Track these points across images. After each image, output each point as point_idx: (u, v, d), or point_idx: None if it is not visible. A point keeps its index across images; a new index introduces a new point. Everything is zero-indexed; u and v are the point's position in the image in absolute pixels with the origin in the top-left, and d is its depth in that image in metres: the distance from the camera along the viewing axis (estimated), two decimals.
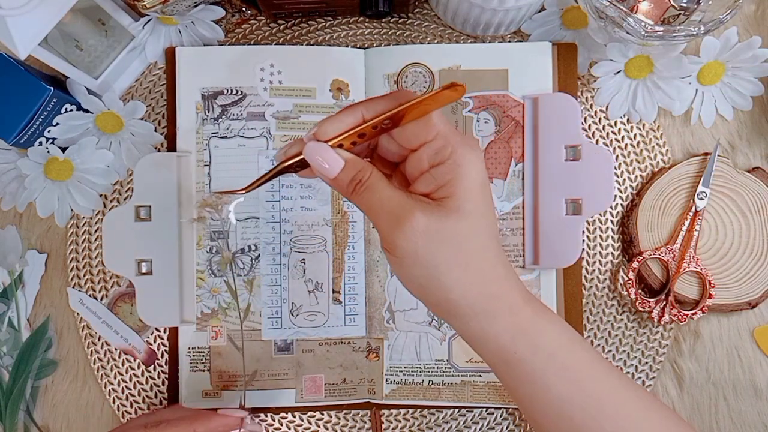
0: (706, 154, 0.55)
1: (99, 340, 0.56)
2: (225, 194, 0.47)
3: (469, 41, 0.57)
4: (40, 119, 0.51)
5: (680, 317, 0.54)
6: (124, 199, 0.56)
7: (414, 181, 0.40)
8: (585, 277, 0.56)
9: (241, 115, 0.54)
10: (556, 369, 0.41)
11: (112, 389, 0.56)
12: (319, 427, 0.55)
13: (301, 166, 0.39)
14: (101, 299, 0.56)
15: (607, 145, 0.56)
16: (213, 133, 0.54)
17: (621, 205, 0.56)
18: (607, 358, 0.55)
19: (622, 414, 0.42)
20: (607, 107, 0.56)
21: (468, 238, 0.38)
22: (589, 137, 0.56)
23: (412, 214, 0.37)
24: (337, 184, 0.39)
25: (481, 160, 0.39)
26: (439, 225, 0.38)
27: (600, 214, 0.56)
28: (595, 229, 0.56)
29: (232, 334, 0.54)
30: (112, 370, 0.56)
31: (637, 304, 0.54)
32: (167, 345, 0.56)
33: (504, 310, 0.40)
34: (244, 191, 0.40)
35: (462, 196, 0.38)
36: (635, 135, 0.56)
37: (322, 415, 0.56)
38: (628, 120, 0.56)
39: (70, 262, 0.56)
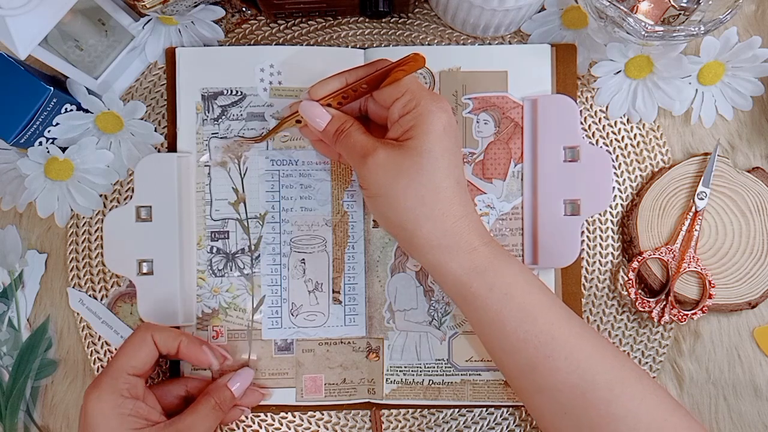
0: (706, 154, 0.55)
1: (99, 340, 0.56)
2: (245, 142, 0.54)
3: (469, 42, 0.57)
4: (40, 119, 0.51)
5: (680, 317, 0.54)
6: (124, 199, 0.56)
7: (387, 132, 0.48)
8: (585, 277, 0.56)
9: (241, 115, 0.54)
10: (512, 307, 0.45)
11: None
12: (319, 427, 0.55)
13: (301, 119, 0.50)
14: (101, 299, 0.56)
15: (607, 145, 0.56)
16: (213, 134, 0.54)
17: (621, 205, 0.56)
18: None
19: (576, 353, 0.44)
20: (607, 107, 0.56)
21: (423, 174, 0.44)
22: (589, 137, 0.57)
23: (375, 150, 0.45)
24: (326, 134, 0.48)
25: (444, 111, 0.45)
26: (397, 159, 0.44)
27: (600, 214, 0.56)
28: (595, 229, 0.56)
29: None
30: None
31: (637, 304, 0.54)
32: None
33: (460, 247, 0.45)
34: (260, 140, 0.53)
35: (421, 137, 0.45)
36: (635, 135, 0.56)
37: (322, 415, 0.56)
38: (628, 120, 0.56)
39: (70, 262, 0.56)
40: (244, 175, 0.54)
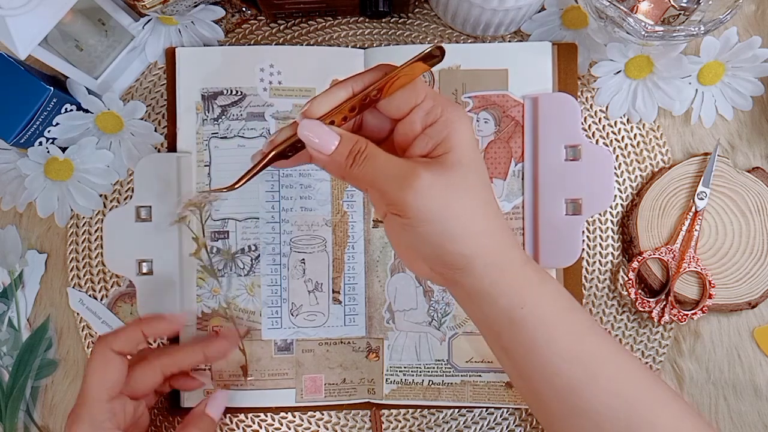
0: (706, 154, 0.55)
1: None
2: (212, 192, 0.49)
3: (469, 41, 0.57)
4: (40, 119, 0.51)
5: (680, 317, 0.54)
6: (124, 199, 0.56)
7: (408, 147, 0.40)
8: (585, 277, 0.56)
9: (241, 115, 0.54)
10: (561, 325, 0.41)
11: None
12: (319, 427, 0.55)
13: (293, 150, 0.39)
14: (101, 299, 0.56)
15: (607, 145, 0.56)
16: (213, 134, 0.54)
17: (621, 205, 0.56)
18: None
19: (619, 374, 0.42)
20: (607, 107, 0.56)
21: (472, 190, 0.39)
22: (589, 137, 0.56)
23: (417, 172, 0.38)
24: (334, 160, 0.39)
25: (468, 117, 0.40)
26: (445, 179, 0.38)
27: (600, 214, 0.56)
28: (595, 229, 0.56)
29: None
30: None
31: (637, 304, 0.54)
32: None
33: (513, 263, 0.40)
34: (230, 189, 0.39)
35: (460, 149, 0.39)
36: (635, 135, 0.56)
37: (322, 415, 0.56)
38: (628, 120, 0.56)
39: (70, 262, 0.56)
40: (205, 222, 0.54)
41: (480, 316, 0.42)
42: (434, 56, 0.38)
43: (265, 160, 0.39)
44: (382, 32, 0.57)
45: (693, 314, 0.54)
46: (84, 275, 0.56)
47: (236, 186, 0.39)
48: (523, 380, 0.43)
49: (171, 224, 0.52)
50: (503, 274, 0.40)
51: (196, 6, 0.52)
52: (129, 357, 0.49)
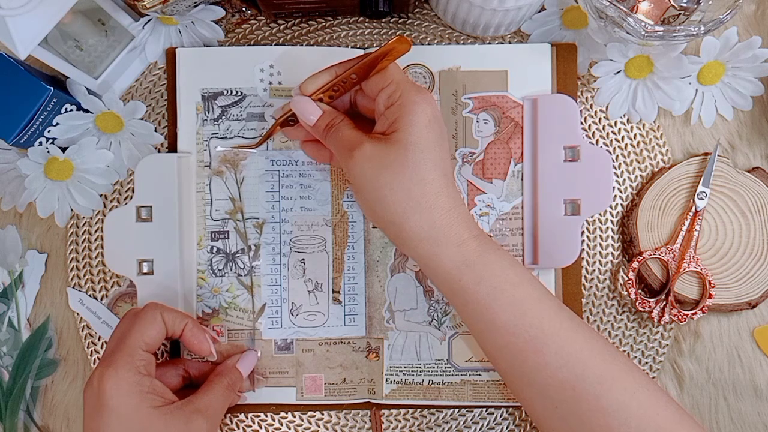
0: (706, 154, 0.55)
1: (99, 340, 0.56)
2: (241, 149, 0.54)
3: (469, 42, 0.57)
4: (40, 119, 0.51)
5: (680, 317, 0.54)
6: (125, 200, 0.56)
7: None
8: (585, 277, 0.56)
9: (241, 115, 0.54)
10: (501, 301, 0.44)
11: None
12: (319, 427, 0.55)
13: (295, 120, 0.50)
14: (101, 299, 0.56)
15: (607, 145, 0.56)
16: (213, 134, 0.54)
17: (621, 205, 0.56)
18: None
19: (566, 348, 0.44)
20: (607, 107, 0.56)
21: (409, 166, 0.44)
22: (589, 137, 0.57)
23: (362, 144, 0.45)
24: (316, 130, 0.48)
25: (428, 103, 0.45)
26: (383, 152, 0.44)
27: (600, 214, 0.56)
28: (595, 229, 0.56)
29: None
30: None
31: (637, 304, 0.54)
32: (168, 345, 0.55)
33: (449, 240, 0.45)
34: (255, 146, 0.54)
35: (406, 129, 0.44)
36: (635, 135, 0.56)
37: (322, 414, 0.56)
38: (628, 120, 0.56)
39: (70, 262, 0.56)
40: (241, 183, 0.54)
41: (431, 279, 0.47)
42: (399, 44, 0.45)
43: (275, 125, 0.51)
44: (382, 32, 0.57)
45: (693, 314, 0.54)
46: (84, 275, 0.56)
47: (258, 144, 0.53)
48: (483, 349, 0.47)
49: (209, 175, 0.54)
50: (437, 250, 0.44)
51: (196, 6, 0.52)
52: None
